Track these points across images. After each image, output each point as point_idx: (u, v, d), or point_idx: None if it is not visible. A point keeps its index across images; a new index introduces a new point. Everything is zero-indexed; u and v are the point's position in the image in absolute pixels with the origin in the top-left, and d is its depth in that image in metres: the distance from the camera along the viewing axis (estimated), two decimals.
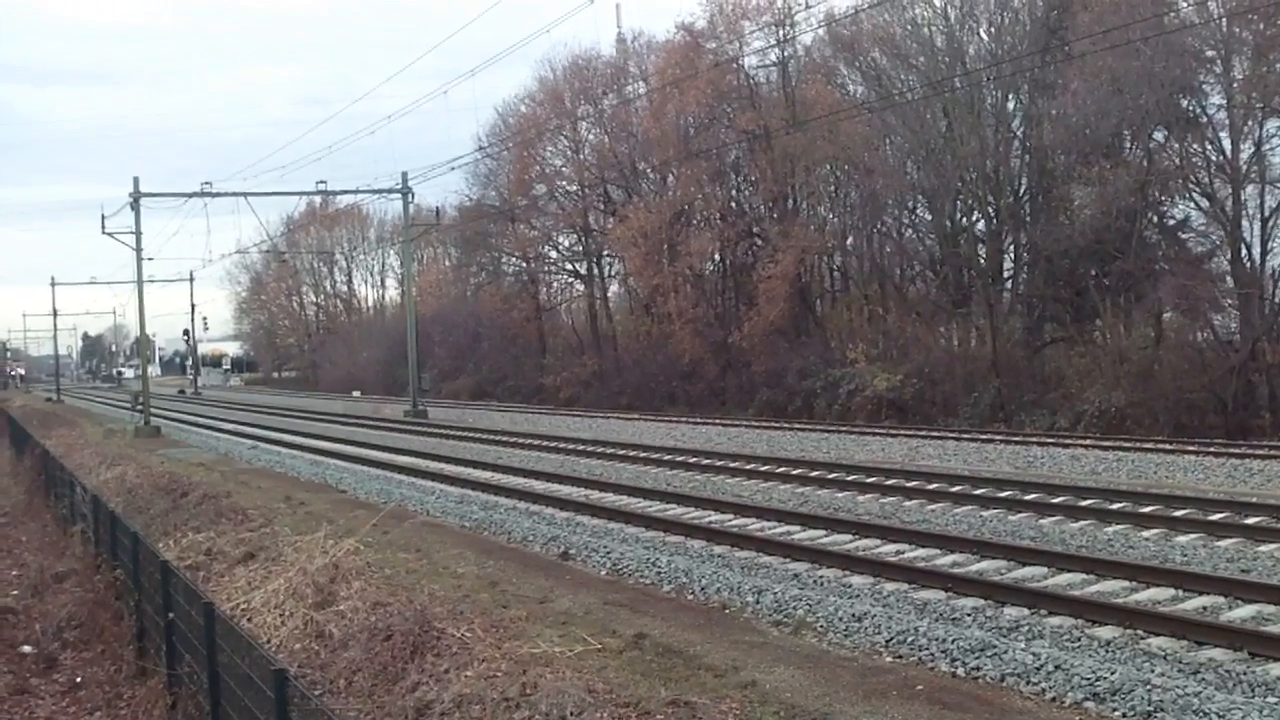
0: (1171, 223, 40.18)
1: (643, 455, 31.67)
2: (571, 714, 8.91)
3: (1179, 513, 18.80)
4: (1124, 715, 9.40)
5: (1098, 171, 38.48)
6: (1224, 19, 35.14)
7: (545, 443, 36.81)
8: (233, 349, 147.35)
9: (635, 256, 58.01)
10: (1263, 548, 16.08)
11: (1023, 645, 11.20)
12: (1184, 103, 37.03)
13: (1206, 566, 15.14)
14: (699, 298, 56.90)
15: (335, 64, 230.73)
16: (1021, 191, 44.76)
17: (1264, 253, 35.43)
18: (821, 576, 15.24)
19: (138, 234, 49.91)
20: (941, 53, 45.75)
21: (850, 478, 24.93)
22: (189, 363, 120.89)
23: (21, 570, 20.98)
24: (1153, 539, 17.08)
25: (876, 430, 36.75)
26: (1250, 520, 17.99)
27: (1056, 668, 10.30)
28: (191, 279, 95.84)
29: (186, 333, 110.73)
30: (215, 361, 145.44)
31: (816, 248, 52.13)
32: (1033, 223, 43.33)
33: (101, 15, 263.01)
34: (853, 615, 12.56)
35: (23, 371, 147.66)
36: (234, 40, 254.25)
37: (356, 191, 61.75)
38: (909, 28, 47.40)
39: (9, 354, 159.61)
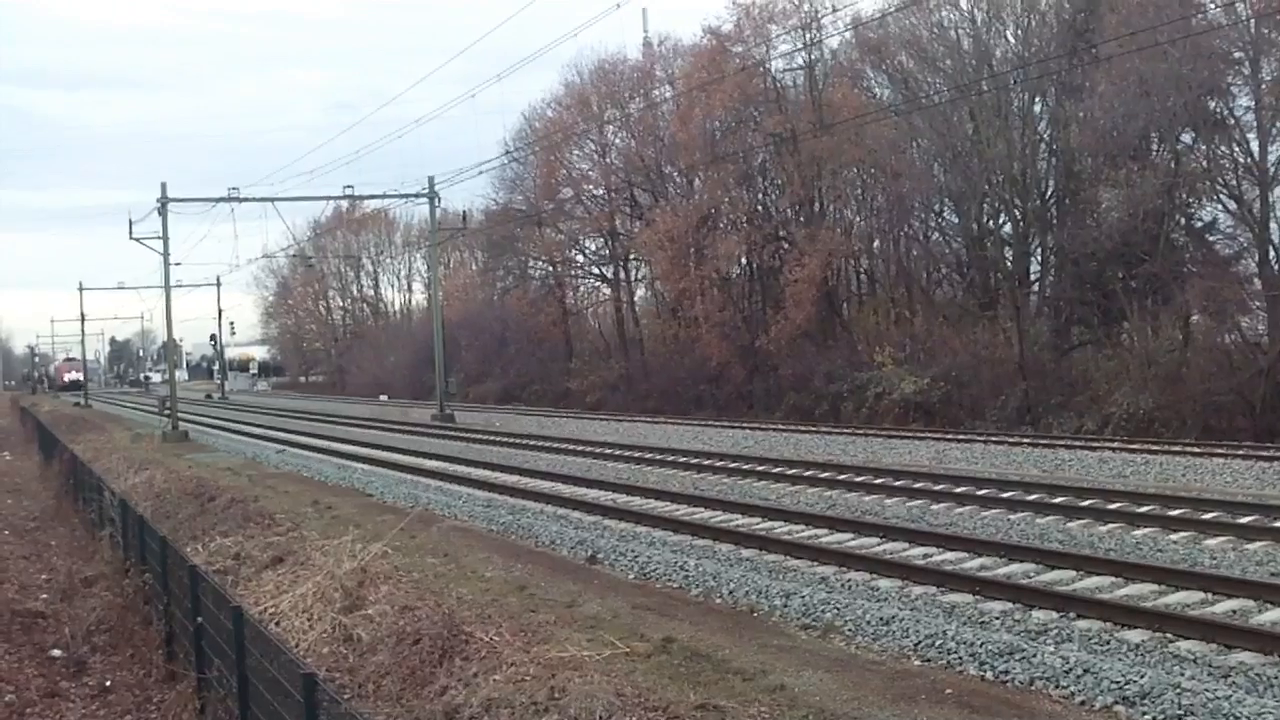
0: (1199, 225, 40.02)
1: (670, 459, 31.61)
2: (600, 718, 8.91)
3: (1207, 516, 18.69)
4: (1153, 719, 9.36)
5: (1125, 174, 38.29)
6: (1252, 20, 34.95)
7: (572, 446, 36.84)
8: (260, 353, 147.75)
9: (662, 260, 57.96)
10: None
11: (1051, 649, 11.17)
12: (1211, 105, 36.85)
13: (1236, 570, 15.07)
14: (726, 301, 56.81)
15: (363, 69, 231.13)
16: (1048, 194, 44.63)
17: None
18: (849, 580, 15.23)
19: (165, 239, 50.14)
20: (968, 55, 45.63)
21: (877, 481, 24.87)
22: (216, 367, 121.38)
23: (51, 574, 21.06)
24: (1181, 542, 16.99)
25: (904, 433, 36.64)
26: (1279, 523, 17.87)
27: (1086, 671, 10.27)
28: (219, 284, 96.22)
29: (214, 337, 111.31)
30: (242, 366, 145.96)
31: (843, 251, 52.12)
32: (1060, 225, 43.19)
33: (129, 20, 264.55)
34: (881, 619, 12.54)
35: (79, 376, 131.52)
36: (262, 46, 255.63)
37: (383, 196, 61.61)
38: (935, 31, 47.29)
39: (66, 355, 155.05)
